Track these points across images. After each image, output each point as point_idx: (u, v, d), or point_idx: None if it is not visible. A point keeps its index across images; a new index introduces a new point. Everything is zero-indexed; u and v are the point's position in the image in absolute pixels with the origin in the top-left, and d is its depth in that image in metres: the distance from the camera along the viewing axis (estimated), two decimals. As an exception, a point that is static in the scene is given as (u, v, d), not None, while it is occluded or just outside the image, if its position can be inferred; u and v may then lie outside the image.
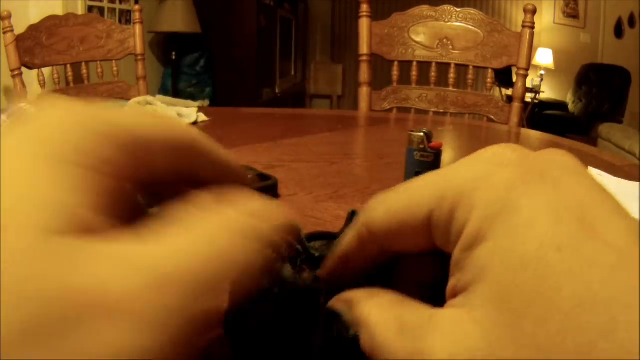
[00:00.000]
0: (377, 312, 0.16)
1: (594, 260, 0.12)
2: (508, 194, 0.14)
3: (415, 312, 0.15)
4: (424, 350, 0.13)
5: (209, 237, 0.13)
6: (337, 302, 0.18)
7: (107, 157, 0.14)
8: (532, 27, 1.24)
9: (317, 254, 0.21)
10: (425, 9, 1.37)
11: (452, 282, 0.15)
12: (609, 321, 0.11)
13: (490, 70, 1.33)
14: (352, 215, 0.22)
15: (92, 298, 0.11)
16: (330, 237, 0.22)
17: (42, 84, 1.46)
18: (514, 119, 1.26)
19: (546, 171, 0.14)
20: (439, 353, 0.13)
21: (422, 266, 0.18)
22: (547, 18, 4.68)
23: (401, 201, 0.17)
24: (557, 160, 0.15)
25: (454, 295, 0.14)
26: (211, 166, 0.18)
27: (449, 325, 0.14)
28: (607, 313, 0.11)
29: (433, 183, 0.16)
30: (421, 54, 1.36)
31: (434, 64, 1.36)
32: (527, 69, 1.26)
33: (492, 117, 1.30)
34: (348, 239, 0.19)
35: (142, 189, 0.16)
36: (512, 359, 0.12)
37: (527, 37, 1.24)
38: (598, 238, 0.12)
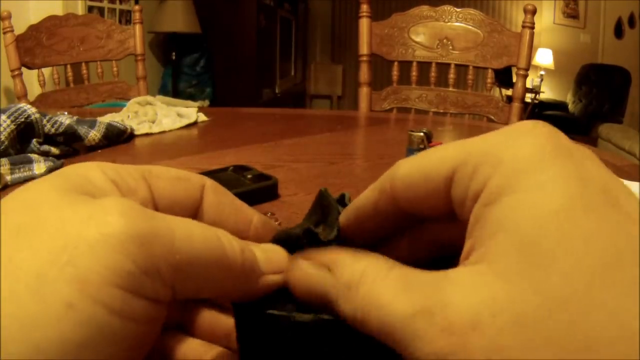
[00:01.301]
0: (373, 270, 0.15)
1: (620, 226, 0.13)
2: (535, 156, 0.14)
3: (422, 272, 0.14)
4: (437, 305, 0.13)
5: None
6: (315, 267, 0.17)
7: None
8: (532, 27, 1.24)
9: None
10: (425, 9, 1.37)
11: (467, 246, 0.15)
12: (635, 281, 0.12)
13: (490, 71, 1.33)
14: (323, 193, 0.21)
15: None
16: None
17: (42, 84, 1.46)
18: (514, 119, 1.26)
19: (572, 150, 0.15)
20: (459, 306, 0.13)
21: None
22: (547, 18, 4.68)
23: (427, 157, 0.17)
24: (580, 147, 0.15)
25: (470, 252, 0.14)
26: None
27: (468, 279, 0.13)
28: (633, 273, 0.12)
29: (461, 144, 0.16)
30: (421, 54, 1.36)
31: (434, 64, 1.36)
32: (527, 69, 1.26)
33: (492, 117, 1.30)
34: (367, 193, 0.18)
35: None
36: (537, 310, 0.12)
37: (527, 37, 1.24)
38: (621, 210, 0.13)
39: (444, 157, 0.16)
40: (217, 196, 0.20)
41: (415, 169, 0.17)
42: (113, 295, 0.13)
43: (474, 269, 0.13)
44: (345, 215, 0.19)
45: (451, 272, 0.14)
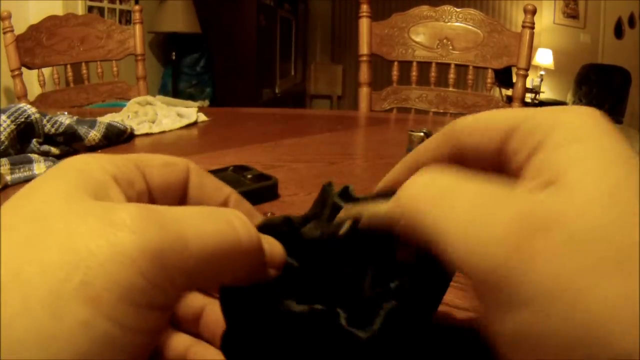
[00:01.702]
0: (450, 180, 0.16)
1: None
2: (593, 121, 0.16)
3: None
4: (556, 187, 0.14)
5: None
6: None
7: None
8: (532, 28, 1.24)
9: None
10: (425, 9, 1.37)
11: (533, 182, 0.15)
12: None
13: (490, 71, 1.33)
14: (328, 186, 0.21)
15: None
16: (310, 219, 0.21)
17: (42, 84, 1.46)
18: (514, 119, 1.26)
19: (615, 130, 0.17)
20: (582, 187, 0.14)
21: None
22: (547, 18, 4.68)
23: (489, 113, 0.19)
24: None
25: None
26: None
27: (582, 166, 0.14)
28: None
29: (519, 109, 0.18)
30: (421, 54, 1.36)
31: (434, 64, 1.36)
32: (527, 69, 1.26)
33: (492, 117, 1.30)
34: (425, 145, 0.21)
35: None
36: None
37: (527, 37, 1.24)
38: None
39: (505, 115, 0.18)
40: (200, 177, 0.20)
41: (478, 120, 0.19)
42: (126, 311, 0.14)
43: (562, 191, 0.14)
44: (403, 164, 0.22)
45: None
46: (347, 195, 0.21)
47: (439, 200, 0.16)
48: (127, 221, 0.14)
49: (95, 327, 0.13)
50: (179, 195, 0.20)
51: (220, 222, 0.16)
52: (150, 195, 0.19)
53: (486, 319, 0.14)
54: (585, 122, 0.16)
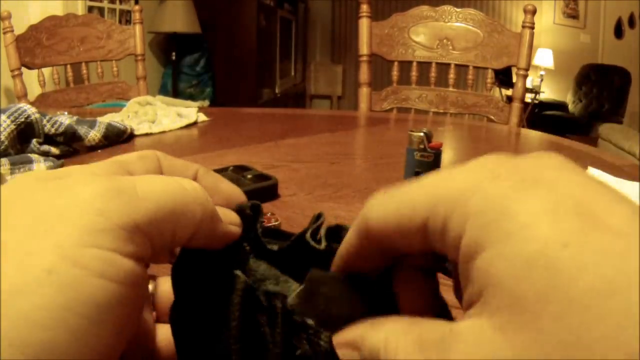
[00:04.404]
0: (393, 338, 0.16)
1: (604, 250, 0.12)
2: (502, 202, 0.14)
3: (433, 327, 0.15)
4: None
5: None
6: (343, 347, 0.17)
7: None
8: (532, 28, 1.24)
9: (272, 247, 0.21)
10: (425, 10, 1.37)
11: (466, 293, 0.15)
12: (631, 307, 0.11)
13: (490, 71, 1.33)
14: (318, 217, 0.22)
15: None
16: (285, 237, 0.22)
17: (42, 84, 1.46)
18: (514, 119, 1.27)
19: (539, 175, 0.14)
20: None
21: (416, 286, 0.18)
22: (547, 18, 4.68)
23: (397, 205, 0.16)
24: (548, 162, 0.15)
25: (470, 305, 0.14)
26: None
27: (471, 336, 0.13)
28: (628, 300, 0.11)
29: (427, 189, 0.16)
30: (421, 54, 1.36)
31: (433, 64, 1.36)
32: (527, 69, 1.26)
33: (492, 117, 1.30)
34: (348, 237, 0.19)
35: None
36: None
37: (527, 38, 1.24)
38: (603, 227, 0.12)
39: (414, 208, 0.16)
40: (169, 161, 0.22)
41: (388, 219, 0.17)
42: (92, 255, 0.14)
43: (477, 324, 0.14)
44: (337, 261, 0.20)
45: (458, 327, 0.14)
46: (337, 236, 0.21)
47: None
48: (81, 178, 0.16)
49: (61, 274, 0.14)
50: None
51: (170, 182, 0.18)
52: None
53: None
54: (497, 197, 0.14)
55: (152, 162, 0.21)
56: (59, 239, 0.14)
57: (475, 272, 0.14)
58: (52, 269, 0.13)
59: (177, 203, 0.17)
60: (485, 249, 0.13)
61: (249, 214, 0.21)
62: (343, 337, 0.18)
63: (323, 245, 0.20)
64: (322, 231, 0.21)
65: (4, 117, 0.66)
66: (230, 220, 0.20)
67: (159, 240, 0.16)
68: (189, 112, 1.02)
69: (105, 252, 0.14)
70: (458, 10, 1.34)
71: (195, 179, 0.22)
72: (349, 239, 0.19)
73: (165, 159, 0.22)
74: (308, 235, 0.21)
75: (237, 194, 0.22)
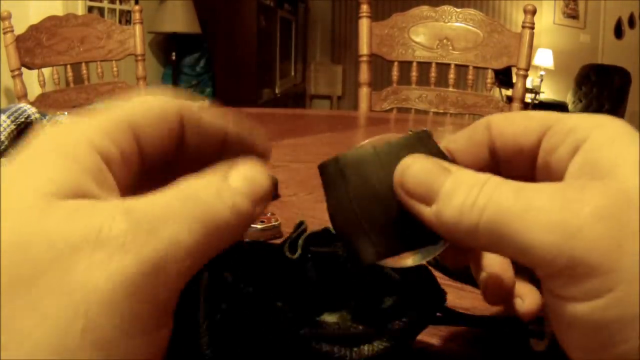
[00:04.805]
0: (495, 178, 0.17)
1: None
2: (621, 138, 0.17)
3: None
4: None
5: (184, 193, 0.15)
6: (431, 161, 0.19)
7: (109, 146, 0.16)
8: (532, 28, 1.24)
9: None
10: (425, 10, 1.37)
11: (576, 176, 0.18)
12: None
13: (490, 71, 1.33)
14: (301, 224, 0.22)
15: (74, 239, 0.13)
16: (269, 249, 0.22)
17: (42, 84, 1.46)
18: (514, 119, 1.26)
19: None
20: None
21: None
22: (547, 18, 4.68)
23: (524, 112, 0.21)
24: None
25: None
26: (208, 132, 0.20)
27: (629, 165, 0.16)
28: None
29: (550, 112, 0.20)
30: (421, 55, 1.36)
31: (433, 64, 1.36)
32: (527, 70, 1.26)
33: (492, 117, 1.30)
34: (462, 134, 0.22)
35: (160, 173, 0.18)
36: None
37: (527, 38, 1.24)
38: None
39: (539, 114, 0.20)
40: (197, 120, 0.19)
41: (514, 116, 0.21)
42: (133, 345, 0.13)
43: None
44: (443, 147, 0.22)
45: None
46: (323, 236, 0.21)
47: (519, 208, 0.16)
48: (120, 239, 0.13)
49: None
50: (171, 150, 0.19)
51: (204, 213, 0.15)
52: (141, 152, 0.17)
53: (560, 308, 0.16)
54: (620, 126, 0.18)
55: (171, 125, 0.18)
56: (104, 335, 0.12)
57: (610, 155, 0.17)
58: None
59: (215, 241, 0.16)
60: (620, 144, 0.17)
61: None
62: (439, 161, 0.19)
63: (297, 254, 0.20)
64: (300, 241, 0.21)
65: (4, 117, 0.66)
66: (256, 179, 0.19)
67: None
68: (189, 112, 1.02)
69: (146, 335, 0.13)
70: (458, 10, 1.34)
71: (225, 143, 0.21)
72: (462, 135, 0.22)
73: (191, 118, 0.19)
74: (286, 247, 0.21)
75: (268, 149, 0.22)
